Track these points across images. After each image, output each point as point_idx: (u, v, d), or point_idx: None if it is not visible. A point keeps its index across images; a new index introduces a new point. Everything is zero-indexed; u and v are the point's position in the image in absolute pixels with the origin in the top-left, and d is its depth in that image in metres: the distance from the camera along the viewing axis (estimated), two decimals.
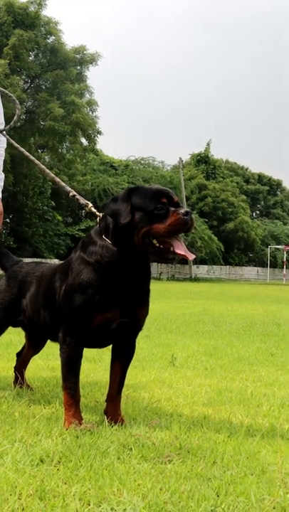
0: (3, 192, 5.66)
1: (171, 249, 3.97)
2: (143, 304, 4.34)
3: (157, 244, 4.00)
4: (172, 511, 2.72)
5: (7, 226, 62.73)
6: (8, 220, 62.99)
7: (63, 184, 5.17)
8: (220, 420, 4.61)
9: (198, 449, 3.70)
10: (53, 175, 5.36)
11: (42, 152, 56.64)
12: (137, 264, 4.18)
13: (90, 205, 4.80)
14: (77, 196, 4.95)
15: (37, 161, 5.51)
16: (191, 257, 4.05)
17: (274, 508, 2.81)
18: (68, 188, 5.07)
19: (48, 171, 5.43)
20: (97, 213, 4.52)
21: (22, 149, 5.44)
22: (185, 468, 3.33)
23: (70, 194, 5.00)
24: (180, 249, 3.97)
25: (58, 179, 5.29)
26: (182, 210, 3.95)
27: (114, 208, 4.09)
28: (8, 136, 5.52)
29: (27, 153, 5.49)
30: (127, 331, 4.33)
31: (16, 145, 5.45)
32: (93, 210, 4.71)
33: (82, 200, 4.89)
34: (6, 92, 5.53)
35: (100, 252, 4.15)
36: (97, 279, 4.13)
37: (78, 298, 4.15)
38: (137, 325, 4.37)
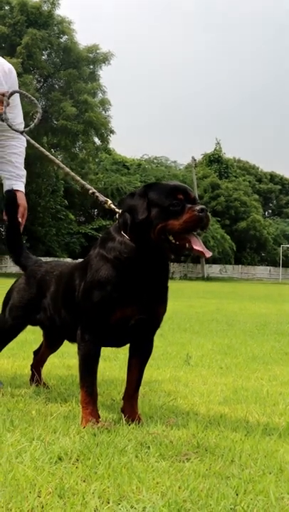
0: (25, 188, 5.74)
1: (187, 245, 3.97)
2: (161, 300, 4.33)
3: (173, 241, 4.00)
4: (192, 509, 2.71)
5: None
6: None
7: (83, 182, 5.19)
8: (236, 419, 4.60)
9: (216, 448, 3.70)
10: (73, 174, 5.37)
11: (55, 151, 56.66)
12: (155, 261, 4.17)
13: (110, 201, 4.80)
14: (97, 193, 4.95)
15: (57, 161, 5.53)
16: (208, 254, 4.04)
17: None
18: (88, 186, 5.08)
19: (67, 169, 5.45)
20: (116, 210, 4.52)
21: (42, 149, 5.46)
22: (203, 467, 3.33)
23: (90, 191, 5.01)
24: (197, 245, 3.96)
25: (77, 177, 5.32)
26: (198, 207, 3.94)
27: (131, 203, 4.09)
28: (28, 137, 5.54)
29: (47, 153, 5.52)
30: (145, 328, 4.32)
31: (37, 145, 5.47)
32: (112, 206, 4.71)
33: (102, 198, 4.89)
34: (29, 96, 5.55)
35: (119, 248, 4.15)
36: (116, 275, 4.12)
37: (97, 294, 4.15)
38: (155, 322, 4.36)
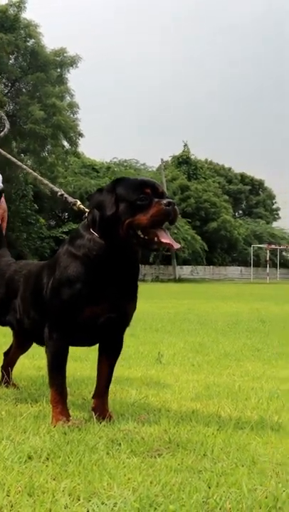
0: None
1: (156, 239, 3.93)
2: (131, 298, 4.30)
3: (142, 236, 3.96)
4: (163, 504, 2.68)
5: None
6: None
7: (51, 185, 5.19)
8: (208, 414, 4.58)
9: (188, 443, 3.68)
10: (40, 177, 5.37)
11: (24, 156, 56.46)
12: (125, 258, 4.13)
13: (79, 202, 4.77)
14: (66, 195, 4.94)
15: (24, 166, 5.56)
16: (176, 245, 4.01)
17: (266, 497, 2.78)
18: (56, 188, 5.06)
19: (35, 173, 5.45)
20: (86, 210, 4.48)
21: (8, 156, 5.46)
22: (175, 462, 3.31)
23: (59, 193, 4.99)
24: (165, 238, 3.93)
25: (45, 181, 5.31)
26: (165, 201, 3.91)
27: (100, 199, 4.05)
28: None
29: (14, 159, 5.53)
30: (115, 326, 4.28)
31: (3, 152, 5.44)
32: (82, 207, 4.68)
33: (71, 199, 4.87)
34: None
35: (88, 245, 4.11)
36: (85, 272, 4.08)
37: (66, 292, 4.10)
38: (125, 320, 4.33)
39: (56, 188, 5.06)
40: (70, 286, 4.10)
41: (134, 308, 4.37)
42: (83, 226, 4.26)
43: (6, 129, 5.44)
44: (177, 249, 4.00)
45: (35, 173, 5.45)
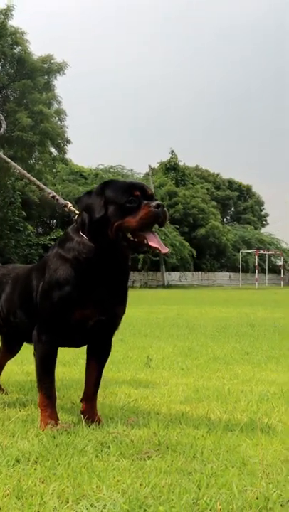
0: None
1: (145, 241, 3.91)
2: (121, 301, 4.28)
3: (131, 238, 3.94)
4: (153, 505, 2.66)
5: None
6: None
7: (43, 186, 5.17)
8: (198, 417, 4.57)
9: (178, 445, 3.67)
10: (33, 178, 5.37)
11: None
12: (114, 261, 4.11)
13: (70, 204, 4.74)
14: (57, 196, 4.92)
15: (18, 167, 5.49)
16: (165, 249, 3.99)
17: (257, 498, 2.76)
18: (48, 189, 5.05)
19: (28, 174, 5.43)
20: (76, 212, 4.45)
21: (3, 156, 5.42)
22: (165, 464, 3.29)
23: (50, 195, 4.97)
24: (153, 241, 3.90)
25: (38, 182, 5.30)
26: (154, 203, 3.89)
27: (88, 202, 4.03)
28: None
29: (9, 160, 5.48)
30: (104, 329, 4.26)
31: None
32: (72, 209, 4.65)
33: (62, 200, 4.84)
34: None
35: (78, 248, 4.08)
36: (74, 275, 4.06)
37: (56, 294, 4.08)
38: (114, 323, 4.31)
39: (48, 189, 5.06)
40: (60, 289, 4.07)
41: (123, 310, 4.34)
42: (73, 229, 4.23)
43: (2, 129, 5.42)
44: (165, 254, 3.99)
45: (28, 175, 5.42)
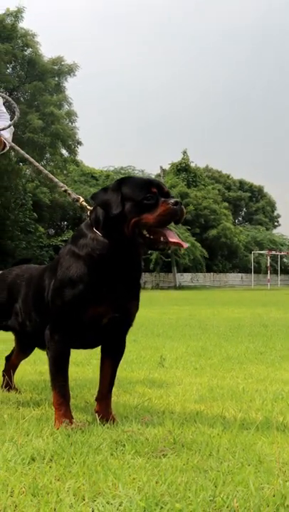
0: None
1: (162, 239, 3.89)
2: (134, 298, 4.25)
3: (147, 235, 3.92)
4: (170, 502, 2.64)
5: None
6: None
7: (56, 180, 5.13)
8: (213, 415, 4.55)
9: (193, 443, 3.64)
10: (46, 171, 5.34)
11: (23, 165, 56.54)
12: (128, 257, 4.09)
13: (82, 199, 4.72)
14: (69, 190, 4.89)
15: (31, 159, 5.45)
16: (185, 245, 3.98)
17: (274, 495, 2.74)
18: (60, 183, 5.02)
19: (41, 168, 5.40)
20: (88, 207, 4.43)
21: (18, 148, 5.42)
22: (180, 462, 3.26)
23: (62, 189, 4.94)
24: (173, 237, 3.88)
25: (50, 175, 5.27)
26: (172, 200, 3.87)
27: (105, 198, 4.00)
28: (6, 136, 5.46)
29: (24, 153, 5.48)
30: (118, 326, 4.24)
31: (13, 144, 5.42)
32: (84, 204, 4.63)
33: (74, 195, 4.81)
34: (5, 96, 5.56)
35: (91, 244, 4.06)
36: (88, 272, 4.03)
37: (68, 292, 4.05)
38: (128, 320, 4.28)
39: (60, 183, 5.03)
40: (72, 287, 4.05)
41: (137, 307, 4.32)
42: (86, 225, 4.21)
43: (16, 117, 5.42)
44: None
45: (42, 168, 5.41)
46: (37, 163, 5.47)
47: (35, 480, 2.92)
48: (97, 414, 4.33)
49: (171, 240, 3.88)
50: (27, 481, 2.89)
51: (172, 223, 3.97)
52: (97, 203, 4.08)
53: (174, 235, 3.91)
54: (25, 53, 55.09)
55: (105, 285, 4.05)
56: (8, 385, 5.50)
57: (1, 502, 2.64)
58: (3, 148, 5.49)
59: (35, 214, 64.43)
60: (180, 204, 3.89)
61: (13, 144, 5.46)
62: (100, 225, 4.08)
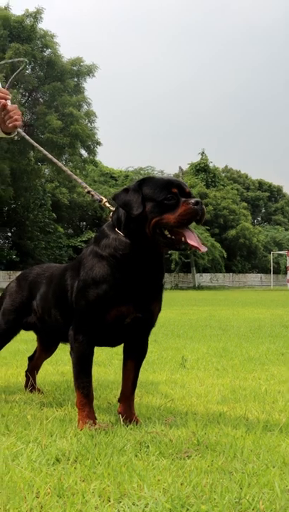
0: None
1: (183, 239, 3.89)
2: (157, 298, 4.26)
3: (168, 235, 3.92)
4: (195, 504, 2.64)
5: (9, 240, 62.75)
6: (9, 233, 63.08)
7: (80, 180, 5.14)
8: (236, 417, 4.54)
9: (217, 445, 3.64)
10: (69, 172, 5.35)
11: (42, 165, 56.69)
12: (150, 257, 4.09)
13: (104, 200, 4.73)
14: (92, 192, 4.89)
15: (55, 160, 5.46)
16: (204, 249, 3.97)
17: None
18: (84, 184, 5.04)
19: (65, 168, 5.42)
20: (112, 208, 4.44)
21: (39, 147, 5.42)
22: (205, 463, 3.26)
23: (86, 190, 4.95)
24: (192, 240, 3.88)
25: (74, 176, 5.28)
26: (192, 200, 3.87)
27: (126, 199, 4.01)
28: (24, 133, 5.45)
29: (46, 153, 5.47)
30: (140, 326, 4.24)
31: (33, 142, 5.41)
32: (107, 205, 4.64)
33: (97, 196, 4.82)
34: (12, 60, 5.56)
35: (114, 244, 4.07)
36: (110, 272, 4.05)
37: (91, 293, 4.07)
38: (151, 320, 4.28)
39: (84, 184, 5.04)
40: (96, 287, 4.06)
41: (159, 308, 4.32)
42: (108, 226, 4.23)
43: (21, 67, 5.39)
44: (195, 251, 3.96)
45: (65, 168, 5.42)
46: (60, 164, 5.48)
47: (61, 481, 2.92)
48: (120, 415, 4.33)
49: (190, 242, 3.88)
50: (52, 482, 2.90)
51: (193, 223, 3.97)
52: (119, 204, 4.09)
53: (194, 238, 3.90)
54: (45, 54, 55.22)
55: (128, 285, 4.05)
56: (32, 386, 5.51)
57: (28, 503, 2.65)
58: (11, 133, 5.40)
59: (54, 214, 64.59)
60: (201, 204, 3.89)
61: (36, 144, 5.45)
62: (121, 225, 4.10)
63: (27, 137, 5.45)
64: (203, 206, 3.90)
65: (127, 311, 4.08)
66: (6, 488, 2.81)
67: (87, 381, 4.18)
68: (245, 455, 3.43)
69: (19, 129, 5.34)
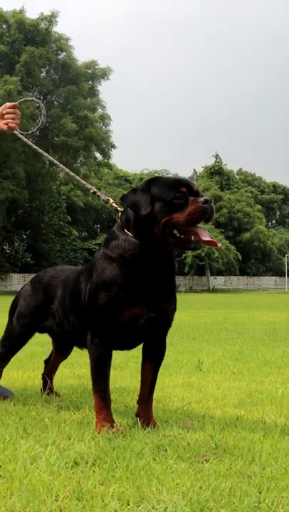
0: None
1: (193, 238, 3.89)
2: (169, 297, 4.25)
3: (178, 235, 3.93)
4: (214, 508, 2.63)
5: (24, 242, 62.88)
6: (24, 236, 63.23)
7: (83, 182, 5.16)
8: (253, 420, 4.53)
9: (235, 448, 3.63)
10: (72, 174, 5.34)
11: (56, 168, 56.81)
12: (160, 257, 4.10)
13: (112, 200, 4.74)
14: (98, 193, 4.90)
15: (61, 165, 5.49)
16: (219, 244, 3.98)
17: None
18: (88, 186, 5.05)
19: (67, 169, 5.42)
20: (119, 209, 4.45)
21: (45, 154, 5.43)
22: (223, 467, 3.25)
23: (91, 191, 4.97)
24: (205, 236, 3.88)
25: (78, 177, 5.30)
26: (201, 199, 3.87)
27: (134, 199, 4.01)
28: (33, 145, 5.46)
29: (51, 158, 5.51)
30: (156, 327, 4.23)
31: (38, 149, 5.41)
32: (114, 205, 4.65)
33: (103, 197, 4.83)
34: (34, 99, 5.54)
35: (123, 245, 4.08)
36: (121, 274, 4.05)
37: (104, 295, 4.07)
38: (166, 320, 4.27)
39: (89, 185, 5.06)
40: (107, 289, 4.07)
41: (174, 307, 4.31)
42: (117, 227, 4.23)
43: (43, 116, 5.41)
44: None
45: (67, 170, 5.41)
46: (62, 166, 5.49)
47: (80, 484, 2.92)
48: (138, 418, 4.33)
49: (204, 238, 3.87)
50: (71, 485, 2.90)
51: (202, 222, 3.97)
52: (127, 204, 4.10)
53: (207, 234, 3.90)
54: (59, 57, 55.48)
55: (139, 285, 4.05)
56: (49, 389, 5.52)
57: (47, 506, 2.65)
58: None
59: (68, 217, 64.70)
60: (210, 202, 3.88)
61: (41, 151, 5.47)
62: (130, 225, 4.10)
63: (25, 139, 5.45)
64: (212, 204, 3.90)
65: (140, 311, 4.08)
66: (26, 492, 2.81)
67: (104, 384, 4.18)
68: (263, 459, 3.43)
69: (16, 131, 5.32)
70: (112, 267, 4.09)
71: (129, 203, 4.07)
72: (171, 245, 4.02)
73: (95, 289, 4.16)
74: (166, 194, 3.94)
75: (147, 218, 3.95)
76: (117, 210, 4.48)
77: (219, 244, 4.01)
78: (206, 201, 3.87)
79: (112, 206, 4.69)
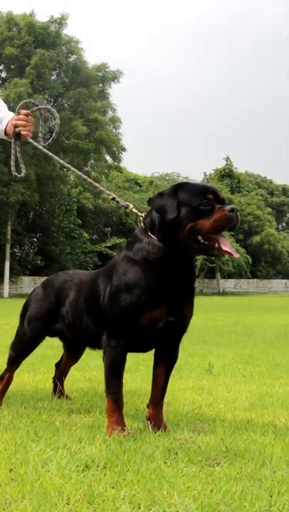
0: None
1: (216, 245, 3.92)
2: (189, 302, 4.27)
3: (202, 241, 3.95)
4: (226, 511, 2.64)
5: (34, 245, 62.92)
6: (35, 239, 63.28)
7: (102, 188, 5.17)
8: (264, 424, 4.53)
9: (246, 452, 3.63)
10: (90, 180, 5.37)
11: (67, 171, 56.85)
12: (183, 262, 4.12)
13: (131, 206, 4.74)
14: (117, 198, 4.90)
15: (79, 173, 5.46)
16: (237, 255, 3.99)
17: None
18: (107, 192, 5.06)
19: (84, 176, 5.41)
20: (139, 214, 4.45)
21: (62, 162, 5.45)
22: (234, 470, 3.26)
23: (110, 197, 4.97)
24: (226, 245, 3.91)
25: (96, 184, 5.30)
26: (228, 207, 3.90)
27: (161, 203, 4.03)
28: (49, 152, 5.45)
29: (71, 167, 5.48)
30: (173, 331, 4.24)
31: (54, 156, 5.42)
32: (134, 210, 4.65)
33: (123, 202, 4.83)
34: (48, 107, 5.56)
35: (147, 248, 4.09)
36: (144, 277, 4.06)
37: (125, 298, 4.08)
38: (183, 325, 4.29)
39: (108, 191, 5.07)
40: (129, 292, 4.08)
41: (191, 312, 4.33)
42: (140, 230, 4.24)
43: (57, 119, 5.41)
44: (235, 258, 3.99)
45: (85, 176, 5.42)
46: (79, 172, 5.48)
47: (91, 487, 2.93)
48: (148, 421, 4.33)
49: (224, 248, 3.90)
50: (82, 489, 2.90)
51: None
52: (153, 208, 4.11)
53: (227, 243, 3.94)
54: (70, 60, 55.46)
55: (161, 289, 4.07)
56: (60, 392, 5.52)
57: (58, 509, 2.66)
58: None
59: (79, 220, 64.68)
60: (236, 211, 3.93)
61: (57, 158, 5.47)
62: (155, 229, 4.11)
63: (40, 147, 5.43)
64: (238, 214, 3.93)
65: (160, 315, 4.09)
66: (37, 495, 2.82)
67: (117, 387, 4.19)
68: (274, 462, 3.43)
69: (30, 139, 5.32)
70: (135, 270, 4.11)
71: (156, 207, 4.09)
72: (194, 251, 4.05)
73: (116, 291, 4.17)
74: (193, 200, 3.96)
75: (173, 223, 3.97)
76: (137, 215, 4.49)
77: (237, 255, 4.02)
78: (232, 210, 3.91)
79: (131, 212, 4.69)
